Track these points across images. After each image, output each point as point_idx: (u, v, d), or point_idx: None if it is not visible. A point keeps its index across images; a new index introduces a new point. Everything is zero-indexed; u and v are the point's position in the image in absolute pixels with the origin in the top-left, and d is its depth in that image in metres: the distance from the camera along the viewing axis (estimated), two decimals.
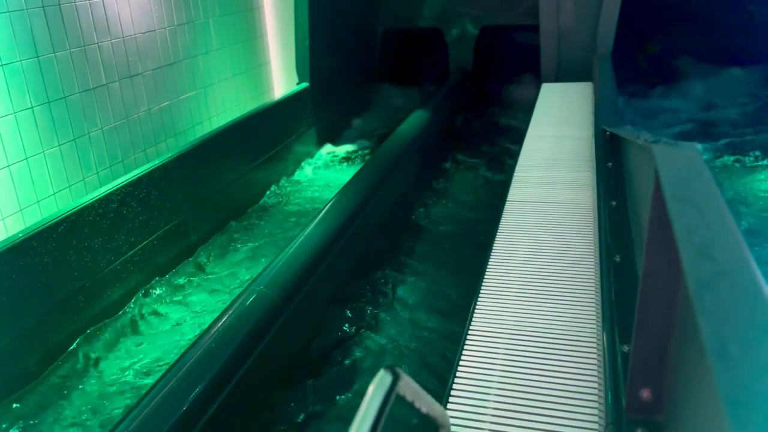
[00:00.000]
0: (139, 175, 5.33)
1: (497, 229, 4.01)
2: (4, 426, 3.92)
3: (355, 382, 4.21)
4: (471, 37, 11.36)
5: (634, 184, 3.16)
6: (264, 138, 7.53)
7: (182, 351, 3.69)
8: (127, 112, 5.96)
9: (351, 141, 9.51)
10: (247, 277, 5.45)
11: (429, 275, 5.46)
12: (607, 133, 4.61)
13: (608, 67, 7.58)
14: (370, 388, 1.29)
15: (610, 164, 4.18)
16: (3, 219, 4.69)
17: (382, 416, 1.23)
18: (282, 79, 8.93)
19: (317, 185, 7.93)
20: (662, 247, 1.48)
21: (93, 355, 4.57)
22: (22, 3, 4.77)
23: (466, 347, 2.73)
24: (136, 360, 4.55)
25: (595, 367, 2.50)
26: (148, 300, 5.24)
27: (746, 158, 7.54)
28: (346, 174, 8.03)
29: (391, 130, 8.07)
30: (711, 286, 1.00)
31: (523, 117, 7.92)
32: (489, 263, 3.55)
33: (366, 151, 8.89)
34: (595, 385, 2.40)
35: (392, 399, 1.32)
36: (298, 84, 8.59)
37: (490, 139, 9.04)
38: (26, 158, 4.85)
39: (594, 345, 2.67)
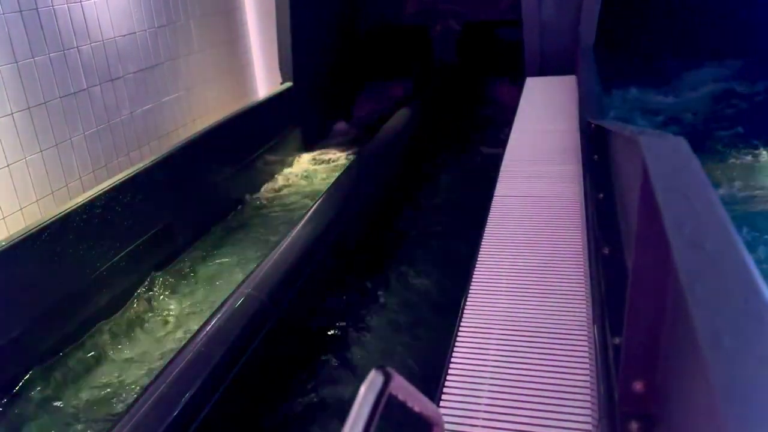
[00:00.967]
0: (124, 179, 5.28)
1: (485, 224, 4.00)
2: None
3: (348, 379, 4.19)
4: (454, 33, 11.36)
5: (621, 176, 3.16)
6: (250, 138, 7.49)
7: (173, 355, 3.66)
8: (110, 115, 5.89)
9: (336, 139, 9.48)
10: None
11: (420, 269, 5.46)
12: (592, 125, 4.61)
13: (591, 59, 7.59)
14: (362, 389, 1.27)
15: (596, 157, 4.18)
16: None
17: (375, 417, 1.21)
18: (266, 79, 8.87)
19: (304, 184, 7.90)
20: (652, 239, 1.47)
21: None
22: None
23: (457, 344, 2.71)
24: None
25: (587, 361, 2.50)
26: (137, 305, 5.19)
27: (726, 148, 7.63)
28: (332, 173, 8.00)
29: (377, 128, 8.05)
30: (702, 277, 0.99)
31: (509, 111, 7.92)
32: (478, 259, 3.53)
33: (351, 150, 8.86)
34: (588, 379, 2.40)
35: (384, 399, 1.31)
36: (282, 84, 8.55)
37: (475, 135, 9.05)
38: (8, 165, 4.78)
39: (585, 339, 2.67)
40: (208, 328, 3.73)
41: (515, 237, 3.77)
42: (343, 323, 4.75)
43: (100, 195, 4.99)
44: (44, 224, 4.47)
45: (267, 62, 8.76)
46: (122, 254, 5.21)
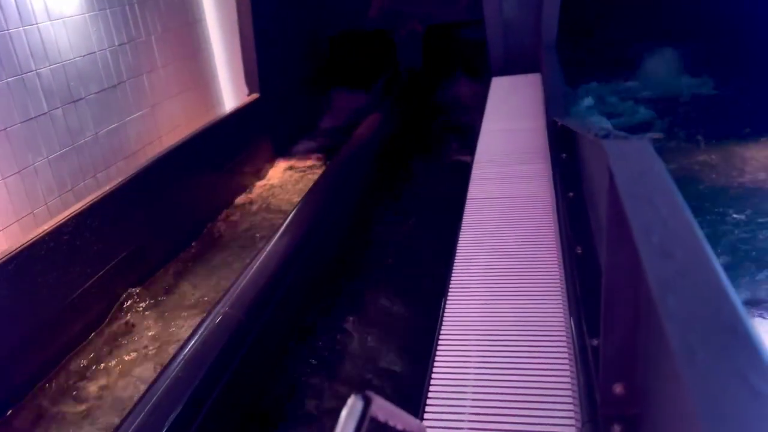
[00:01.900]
0: (92, 203, 5.18)
1: (460, 228, 3.99)
2: None
3: (331, 393, 4.16)
4: (418, 36, 11.39)
5: (588, 175, 3.19)
6: (219, 152, 7.41)
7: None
8: (73, 138, 5.77)
9: (306, 148, 9.43)
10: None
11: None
12: (558, 123, 4.65)
13: (554, 57, 7.66)
14: (342, 415, 1.25)
15: (564, 155, 4.21)
16: None
17: None
18: (232, 92, 8.79)
19: (276, 194, 7.84)
20: (622, 245, 1.47)
21: None
22: None
23: (438, 355, 2.70)
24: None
25: (567, 365, 2.50)
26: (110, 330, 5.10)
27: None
28: (304, 183, 7.95)
29: (347, 135, 8.02)
30: (674, 288, 0.99)
31: (475, 112, 7.96)
32: (454, 264, 3.53)
33: (322, 160, 8.81)
34: (569, 383, 2.41)
35: (366, 423, 1.29)
36: (248, 95, 8.48)
37: (443, 136, 9.08)
38: None
39: (564, 342, 2.68)
40: (185, 352, 3.67)
41: (489, 239, 3.77)
42: (326, 331, 4.73)
43: (66, 221, 4.89)
44: (10, 255, 4.36)
45: (232, 74, 8.68)
46: (93, 280, 5.11)
